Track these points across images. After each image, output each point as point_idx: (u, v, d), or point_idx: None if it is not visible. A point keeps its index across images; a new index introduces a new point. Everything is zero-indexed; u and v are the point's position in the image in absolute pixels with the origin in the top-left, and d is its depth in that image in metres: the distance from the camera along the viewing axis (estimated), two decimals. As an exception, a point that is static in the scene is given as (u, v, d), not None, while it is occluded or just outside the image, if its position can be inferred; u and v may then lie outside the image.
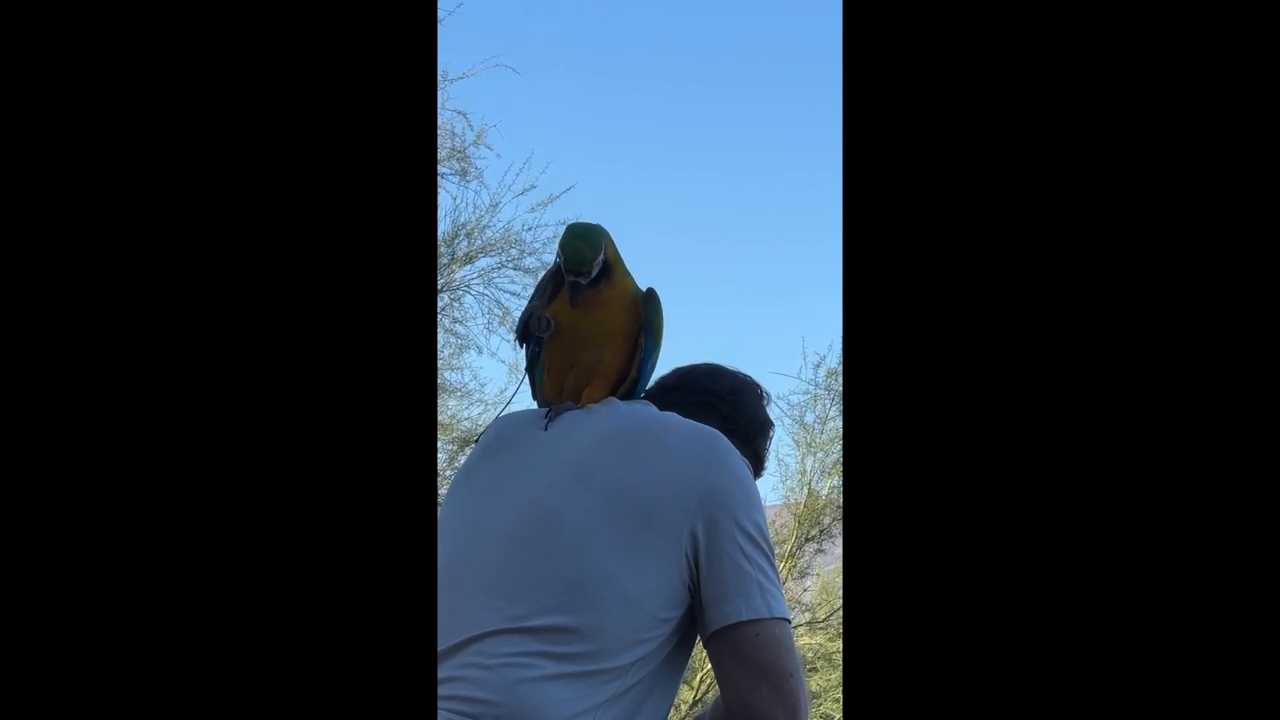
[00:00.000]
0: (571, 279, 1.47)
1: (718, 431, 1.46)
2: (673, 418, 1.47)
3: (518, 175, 9.24)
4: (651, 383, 1.60)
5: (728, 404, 1.60)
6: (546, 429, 1.47)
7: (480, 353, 8.24)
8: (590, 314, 1.50)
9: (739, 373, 1.66)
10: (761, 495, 1.49)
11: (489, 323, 8.22)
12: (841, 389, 9.50)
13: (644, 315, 1.52)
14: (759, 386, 1.67)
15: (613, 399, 1.52)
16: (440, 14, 7.15)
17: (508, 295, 8.30)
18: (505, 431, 1.51)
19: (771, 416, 1.66)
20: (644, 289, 1.54)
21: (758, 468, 1.61)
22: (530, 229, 8.20)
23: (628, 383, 1.54)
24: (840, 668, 9.87)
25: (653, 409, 1.49)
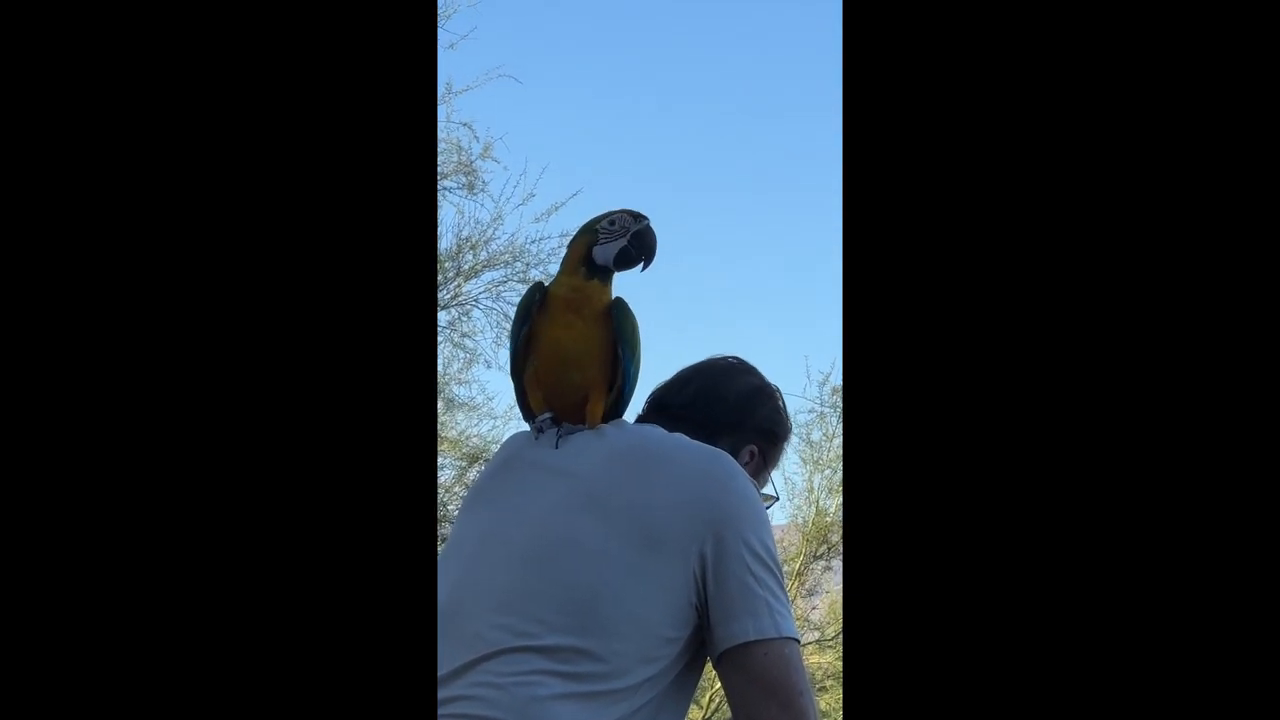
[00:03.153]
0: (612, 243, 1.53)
1: (724, 452, 1.47)
2: (680, 439, 1.48)
3: (516, 187, 9.24)
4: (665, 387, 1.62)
5: (736, 412, 1.60)
6: (556, 446, 1.48)
7: (489, 366, 8.25)
8: (572, 329, 1.52)
9: (743, 377, 1.64)
10: (769, 514, 1.50)
11: (498, 336, 8.21)
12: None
13: (615, 325, 1.54)
14: (769, 388, 1.65)
15: (622, 420, 1.55)
16: (453, 38, 7.16)
17: (514, 308, 8.27)
18: (517, 451, 1.52)
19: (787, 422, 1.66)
20: (612, 299, 1.55)
21: (766, 455, 1.62)
22: (535, 241, 8.22)
23: (613, 394, 1.55)
24: (850, 686, 9.83)
25: (660, 430, 1.50)
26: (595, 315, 1.53)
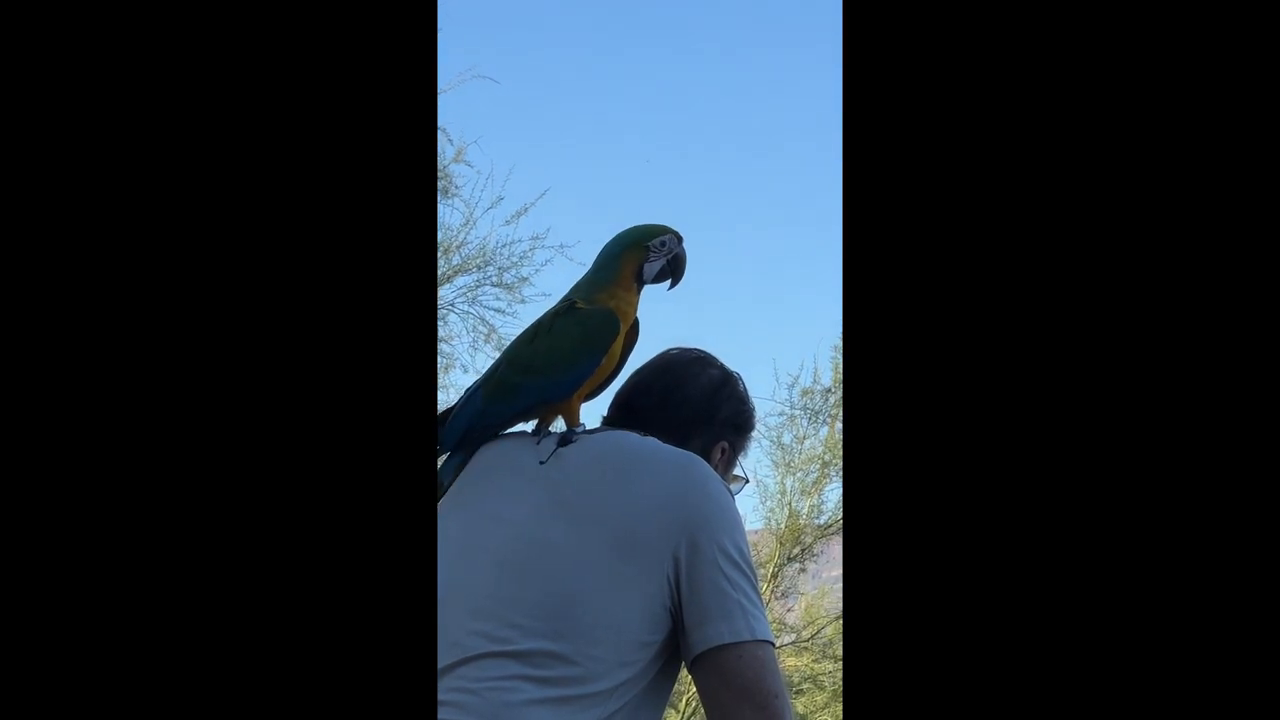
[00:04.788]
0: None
1: (697, 456, 1.48)
2: (654, 443, 1.48)
3: (483, 190, 9.21)
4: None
5: (707, 409, 1.61)
6: (549, 454, 1.49)
7: (466, 371, 8.21)
8: (623, 340, 1.58)
9: (706, 370, 1.64)
10: (740, 496, 1.52)
11: (474, 341, 8.19)
12: (817, 407, 9.53)
13: (632, 341, 1.59)
14: (729, 377, 1.65)
15: (597, 425, 1.56)
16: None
17: (492, 313, 8.28)
18: (493, 458, 1.52)
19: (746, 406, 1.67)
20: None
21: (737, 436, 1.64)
22: (506, 244, 8.22)
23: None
24: (826, 689, 9.87)
25: (634, 435, 1.51)
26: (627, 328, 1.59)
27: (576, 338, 1.54)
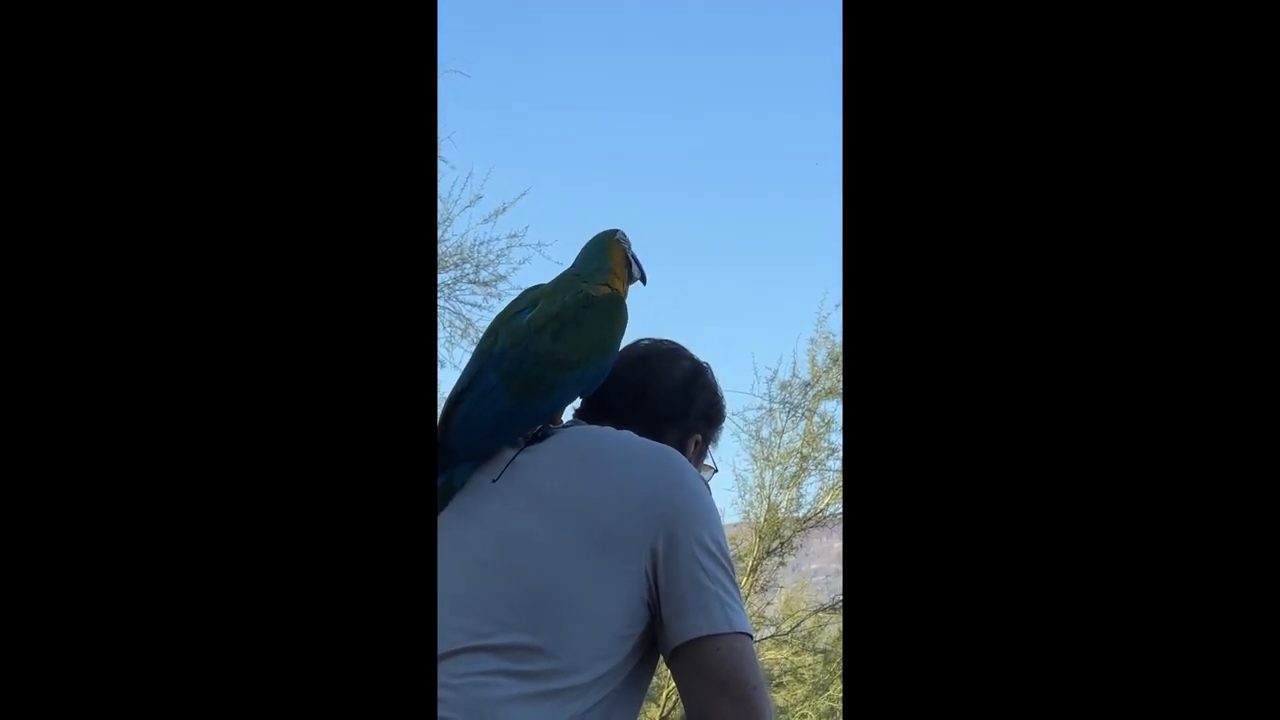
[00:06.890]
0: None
1: (674, 449, 1.48)
2: (630, 437, 1.49)
3: (463, 189, 9.18)
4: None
5: (681, 399, 1.62)
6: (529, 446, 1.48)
7: (443, 367, 8.19)
8: None
9: (678, 363, 1.65)
10: (720, 511, 1.51)
11: (450, 336, 8.19)
12: (795, 400, 9.56)
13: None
14: (701, 368, 1.66)
15: (579, 421, 1.56)
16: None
17: (469, 308, 8.28)
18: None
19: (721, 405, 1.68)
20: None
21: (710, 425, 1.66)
22: (484, 242, 8.22)
23: None
24: (806, 683, 9.90)
25: (610, 430, 1.50)
26: None
27: (605, 327, 1.54)
